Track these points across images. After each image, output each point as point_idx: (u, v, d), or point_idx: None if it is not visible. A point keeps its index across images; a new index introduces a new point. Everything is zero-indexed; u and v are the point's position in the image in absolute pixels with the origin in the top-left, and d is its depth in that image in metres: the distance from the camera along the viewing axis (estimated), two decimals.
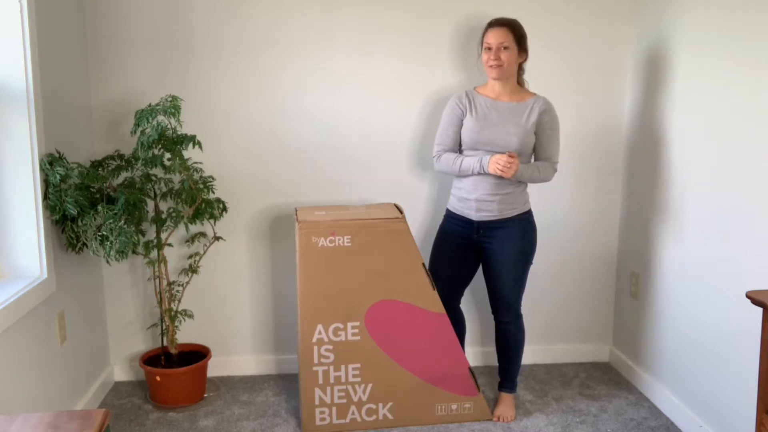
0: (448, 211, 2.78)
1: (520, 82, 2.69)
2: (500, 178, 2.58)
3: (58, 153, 2.49)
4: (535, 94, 2.65)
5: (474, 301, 3.22)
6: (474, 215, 2.65)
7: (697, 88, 2.57)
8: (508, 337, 2.77)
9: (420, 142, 3.09)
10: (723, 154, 2.41)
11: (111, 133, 2.97)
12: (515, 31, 2.59)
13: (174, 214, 2.79)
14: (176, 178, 2.87)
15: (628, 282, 3.17)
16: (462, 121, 2.68)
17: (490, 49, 2.58)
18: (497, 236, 2.64)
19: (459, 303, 2.86)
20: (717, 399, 2.48)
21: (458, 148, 2.73)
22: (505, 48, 2.56)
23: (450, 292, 2.78)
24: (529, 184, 2.71)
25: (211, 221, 2.94)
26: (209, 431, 2.70)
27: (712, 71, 2.47)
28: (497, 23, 2.60)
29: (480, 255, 2.72)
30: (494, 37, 2.57)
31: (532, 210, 2.72)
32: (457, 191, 2.72)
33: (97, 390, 2.91)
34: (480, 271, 2.79)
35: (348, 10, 2.97)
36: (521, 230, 2.65)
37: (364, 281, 2.60)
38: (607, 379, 3.17)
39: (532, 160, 2.69)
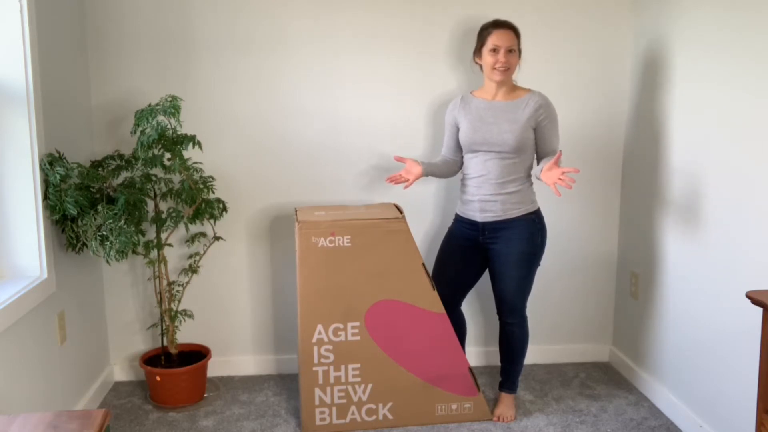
0: (455, 214, 2.79)
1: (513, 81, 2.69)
2: (503, 177, 2.58)
3: (58, 153, 2.49)
4: (530, 90, 2.64)
5: (478, 300, 3.22)
6: (478, 216, 2.65)
7: (697, 88, 2.56)
8: (512, 338, 2.76)
9: (421, 142, 3.09)
10: (723, 153, 2.41)
11: (111, 133, 2.97)
12: (518, 34, 2.60)
13: (174, 214, 2.79)
14: (176, 178, 2.87)
15: (628, 282, 3.16)
16: (457, 126, 2.70)
17: (496, 51, 2.56)
18: (502, 237, 2.63)
19: (461, 305, 2.85)
20: (717, 399, 2.47)
21: (458, 152, 2.76)
22: (512, 51, 2.56)
23: (452, 294, 2.78)
24: (534, 183, 2.71)
25: (211, 221, 2.94)
26: (209, 431, 2.70)
27: (712, 70, 2.47)
28: (504, 25, 2.58)
29: (486, 257, 2.71)
30: (502, 40, 2.55)
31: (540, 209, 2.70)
32: (462, 194, 2.72)
33: (97, 390, 2.92)
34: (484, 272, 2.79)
35: (348, 11, 2.97)
36: (527, 231, 2.63)
37: (364, 281, 2.60)
38: (607, 379, 3.17)
39: (535, 156, 2.67)
